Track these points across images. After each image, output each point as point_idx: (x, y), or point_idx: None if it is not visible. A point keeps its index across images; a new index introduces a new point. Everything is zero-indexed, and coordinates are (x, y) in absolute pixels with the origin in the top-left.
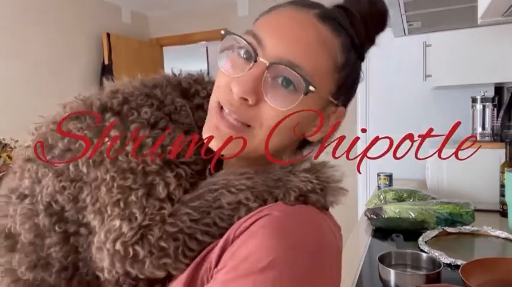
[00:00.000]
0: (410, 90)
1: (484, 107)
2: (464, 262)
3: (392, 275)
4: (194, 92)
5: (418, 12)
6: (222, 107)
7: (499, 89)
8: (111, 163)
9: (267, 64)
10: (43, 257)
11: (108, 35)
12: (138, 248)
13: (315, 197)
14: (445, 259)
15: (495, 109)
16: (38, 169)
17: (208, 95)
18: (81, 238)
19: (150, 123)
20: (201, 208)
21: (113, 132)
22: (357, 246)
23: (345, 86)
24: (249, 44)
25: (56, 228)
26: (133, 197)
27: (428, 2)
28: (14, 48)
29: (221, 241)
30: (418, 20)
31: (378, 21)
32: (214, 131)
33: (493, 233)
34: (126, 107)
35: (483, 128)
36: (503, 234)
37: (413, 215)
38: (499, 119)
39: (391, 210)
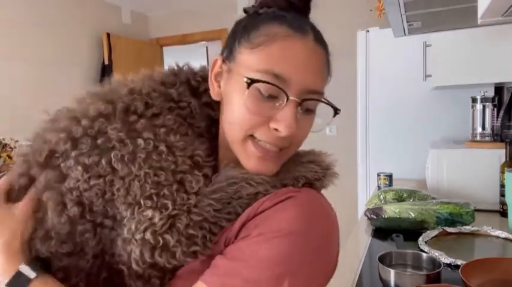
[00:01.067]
0: (410, 90)
1: (484, 107)
2: (464, 262)
3: (392, 275)
4: (203, 91)
5: (418, 12)
6: (251, 136)
7: (499, 89)
8: (144, 161)
9: (299, 101)
10: (78, 243)
11: (108, 35)
12: (167, 236)
13: (318, 183)
14: (445, 259)
15: (495, 109)
16: (66, 161)
17: None
18: (104, 230)
19: (174, 129)
20: (222, 199)
21: (146, 135)
22: (357, 246)
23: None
24: (279, 87)
25: (87, 216)
26: (166, 191)
27: (428, 2)
28: (14, 48)
29: (242, 218)
30: (418, 20)
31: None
32: (262, 162)
33: (493, 233)
34: (149, 111)
35: (483, 128)
36: (503, 234)
37: (413, 215)
38: (499, 119)
39: (391, 210)
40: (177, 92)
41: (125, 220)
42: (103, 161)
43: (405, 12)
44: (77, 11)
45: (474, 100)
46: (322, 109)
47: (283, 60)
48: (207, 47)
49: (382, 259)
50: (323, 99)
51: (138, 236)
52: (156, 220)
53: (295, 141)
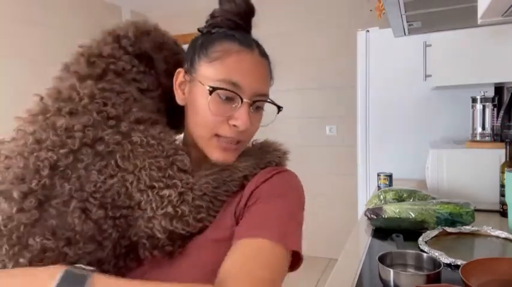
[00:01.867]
0: (410, 90)
1: (484, 107)
2: (464, 262)
3: (392, 275)
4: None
5: (418, 12)
6: (216, 135)
7: (499, 89)
8: (144, 154)
9: (251, 102)
10: (99, 241)
11: None
12: (183, 207)
13: (283, 163)
14: (445, 259)
15: (495, 109)
16: (74, 173)
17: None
18: (121, 220)
19: (149, 122)
20: (217, 180)
21: (136, 134)
22: (356, 246)
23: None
24: (235, 92)
25: (110, 213)
26: (170, 172)
27: (428, 2)
28: (13, 48)
29: (249, 187)
30: (418, 20)
31: (250, 12)
32: (224, 154)
33: (493, 233)
34: (119, 111)
35: (483, 128)
36: (503, 234)
37: (413, 215)
38: (499, 119)
39: (391, 210)
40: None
41: (143, 203)
42: (111, 163)
43: (405, 12)
44: (76, 11)
45: (474, 100)
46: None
47: (237, 71)
48: None
49: (382, 259)
50: (268, 100)
51: (160, 212)
52: (173, 196)
53: (249, 134)
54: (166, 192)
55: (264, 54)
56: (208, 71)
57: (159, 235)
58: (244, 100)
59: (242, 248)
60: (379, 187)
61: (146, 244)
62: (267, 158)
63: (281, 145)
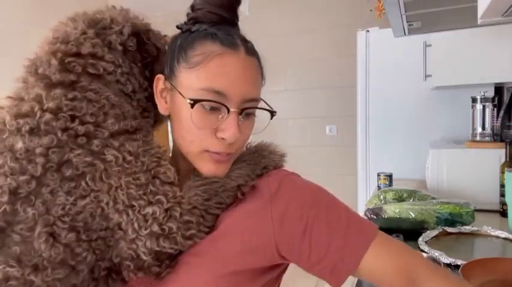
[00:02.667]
0: (410, 90)
1: (484, 107)
2: (464, 262)
3: None
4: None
5: (418, 12)
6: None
7: (499, 89)
8: (120, 173)
9: (239, 111)
10: (72, 266)
11: None
12: (170, 224)
13: (281, 166)
14: (445, 259)
15: (495, 109)
16: (39, 198)
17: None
18: (99, 242)
19: (125, 136)
20: (208, 191)
21: (109, 151)
22: None
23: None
24: (219, 103)
25: (84, 237)
26: (152, 188)
27: (428, 2)
28: (14, 48)
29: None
30: (418, 20)
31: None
32: (215, 167)
33: (493, 233)
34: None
35: (483, 128)
36: (503, 234)
37: (413, 215)
38: (499, 119)
39: (391, 210)
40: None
41: (123, 224)
42: (82, 184)
43: (405, 12)
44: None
45: (474, 100)
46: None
47: (221, 77)
48: None
49: None
50: (259, 106)
51: (144, 232)
52: (158, 213)
53: (239, 144)
54: (149, 210)
55: (252, 53)
56: (189, 79)
57: (144, 257)
58: (231, 110)
59: (369, 269)
60: (379, 187)
61: (130, 265)
62: (262, 163)
63: (277, 146)
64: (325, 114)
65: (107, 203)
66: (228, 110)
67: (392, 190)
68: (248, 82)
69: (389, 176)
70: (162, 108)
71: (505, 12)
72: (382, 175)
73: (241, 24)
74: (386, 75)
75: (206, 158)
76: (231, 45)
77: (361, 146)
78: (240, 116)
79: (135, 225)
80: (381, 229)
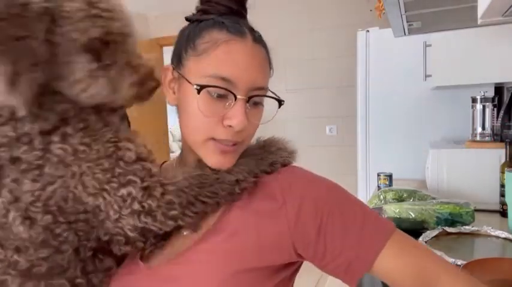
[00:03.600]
0: (410, 90)
1: (484, 107)
2: (464, 262)
3: None
4: None
5: (418, 12)
6: (211, 138)
7: (499, 89)
8: (77, 161)
9: (246, 98)
10: (54, 246)
11: None
12: (149, 202)
13: (289, 162)
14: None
15: (495, 109)
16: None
17: None
18: (80, 223)
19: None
20: (202, 178)
21: (56, 145)
22: None
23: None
24: (227, 89)
25: (61, 219)
26: (118, 170)
27: (428, 2)
28: None
29: (291, 216)
30: (418, 20)
31: None
32: (221, 157)
33: (493, 233)
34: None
35: (483, 128)
36: (503, 234)
37: (413, 215)
38: (499, 119)
39: (391, 210)
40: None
41: (102, 206)
42: (45, 171)
43: (405, 12)
44: None
45: (474, 100)
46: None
47: (228, 64)
48: None
49: None
50: (267, 94)
51: (126, 211)
52: (135, 192)
53: (247, 133)
54: (124, 191)
55: (259, 41)
56: (196, 67)
57: (130, 234)
58: (238, 97)
59: (388, 268)
60: (379, 187)
61: (122, 240)
62: (268, 158)
63: (288, 142)
64: (325, 114)
65: (76, 188)
66: (235, 98)
67: (392, 190)
68: (256, 70)
69: (390, 176)
70: (170, 98)
71: (505, 12)
72: (382, 175)
73: None
74: (386, 75)
75: (211, 148)
76: (237, 32)
77: (361, 146)
78: (248, 104)
79: (115, 206)
80: None
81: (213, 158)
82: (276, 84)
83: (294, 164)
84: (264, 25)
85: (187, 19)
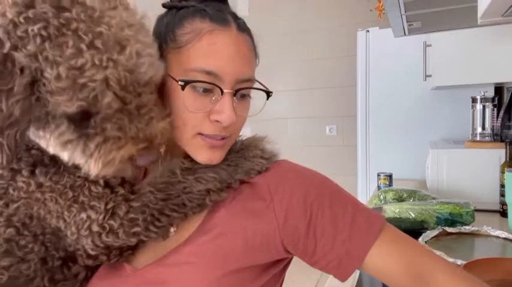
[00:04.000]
0: (410, 90)
1: (484, 107)
2: (464, 262)
3: None
4: None
5: (418, 12)
6: (198, 133)
7: (499, 89)
8: (41, 190)
9: (233, 92)
10: (19, 256)
11: None
12: (111, 222)
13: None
14: None
15: (495, 109)
16: None
17: None
18: (47, 236)
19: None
20: (167, 190)
21: (20, 184)
22: None
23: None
24: (212, 83)
25: (25, 233)
26: (83, 198)
27: (428, 2)
28: None
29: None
30: (418, 20)
31: None
32: (210, 153)
33: (493, 233)
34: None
35: (483, 128)
36: (503, 234)
37: (413, 215)
38: (499, 119)
39: (391, 210)
40: None
41: (62, 227)
42: (9, 192)
43: (405, 12)
44: None
45: (474, 100)
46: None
47: (212, 56)
48: None
49: None
50: (254, 86)
51: (84, 232)
52: (95, 216)
53: (236, 127)
54: (83, 215)
55: (244, 29)
56: (178, 59)
57: (91, 252)
58: (225, 91)
59: (379, 261)
60: (379, 187)
61: (83, 255)
62: (244, 167)
63: (268, 143)
64: (325, 114)
65: (38, 209)
66: (222, 92)
67: (392, 190)
68: (241, 61)
69: (390, 176)
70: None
71: (505, 12)
72: (382, 175)
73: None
74: (386, 75)
75: (199, 143)
76: (221, 21)
77: (361, 146)
78: (235, 97)
79: (73, 228)
80: None
81: (202, 154)
82: (276, 84)
83: (283, 158)
84: (264, 25)
85: (164, 6)
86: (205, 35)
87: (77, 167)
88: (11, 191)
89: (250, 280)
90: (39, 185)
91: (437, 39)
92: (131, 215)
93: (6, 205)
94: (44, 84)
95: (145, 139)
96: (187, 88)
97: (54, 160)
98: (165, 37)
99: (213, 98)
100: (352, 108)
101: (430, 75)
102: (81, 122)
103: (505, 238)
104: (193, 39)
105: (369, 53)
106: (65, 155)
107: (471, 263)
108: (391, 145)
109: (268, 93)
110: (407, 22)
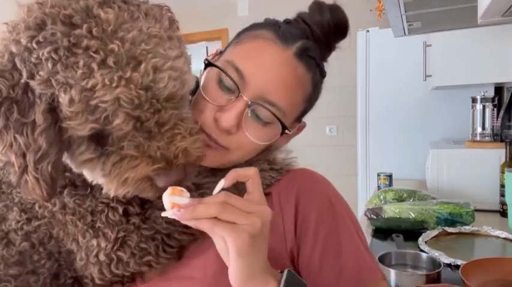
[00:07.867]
0: (410, 90)
1: (484, 107)
2: (464, 262)
3: (392, 275)
4: None
5: (418, 12)
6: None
7: (499, 89)
8: (64, 211)
9: (249, 102)
10: (30, 269)
11: None
12: (120, 253)
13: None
14: (445, 259)
15: (495, 109)
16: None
17: None
18: (62, 255)
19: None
20: None
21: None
22: None
23: (310, 108)
24: (233, 80)
25: (41, 249)
26: (99, 224)
27: (428, 2)
28: None
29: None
30: (418, 20)
31: (340, 31)
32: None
33: (493, 233)
34: None
35: (483, 128)
36: (503, 234)
37: (413, 215)
38: (499, 119)
39: (391, 210)
40: None
41: (75, 250)
42: (36, 208)
43: (405, 12)
44: None
45: (474, 100)
46: None
47: (250, 59)
48: (207, 47)
49: (382, 259)
50: (272, 112)
51: (93, 260)
52: (103, 245)
53: (237, 144)
54: (94, 242)
55: (305, 60)
56: (228, 52)
57: (98, 281)
58: (241, 95)
59: None
60: (379, 187)
61: (89, 284)
62: None
63: (278, 155)
64: (325, 114)
65: (59, 231)
66: (239, 94)
67: (392, 190)
68: (278, 83)
69: (389, 176)
70: None
71: (505, 12)
72: (382, 175)
73: (241, 25)
74: (386, 75)
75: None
76: (283, 38)
77: (361, 146)
78: (248, 110)
79: (83, 253)
80: (381, 229)
81: None
82: None
83: (300, 166)
84: None
85: (267, 22)
86: (259, 39)
87: (102, 190)
88: (36, 207)
89: None
90: (63, 206)
91: (437, 39)
92: (142, 245)
93: (29, 221)
94: (61, 111)
95: (163, 159)
96: (213, 79)
97: (85, 182)
98: (237, 36)
99: (229, 98)
100: (352, 108)
101: (430, 75)
102: (101, 140)
103: (505, 238)
104: (249, 40)
105: (369, 53)
106: (87, 175)
107: (471, 263)
108: (391, 144)
109: (284, 128)
110: (407, 22)
